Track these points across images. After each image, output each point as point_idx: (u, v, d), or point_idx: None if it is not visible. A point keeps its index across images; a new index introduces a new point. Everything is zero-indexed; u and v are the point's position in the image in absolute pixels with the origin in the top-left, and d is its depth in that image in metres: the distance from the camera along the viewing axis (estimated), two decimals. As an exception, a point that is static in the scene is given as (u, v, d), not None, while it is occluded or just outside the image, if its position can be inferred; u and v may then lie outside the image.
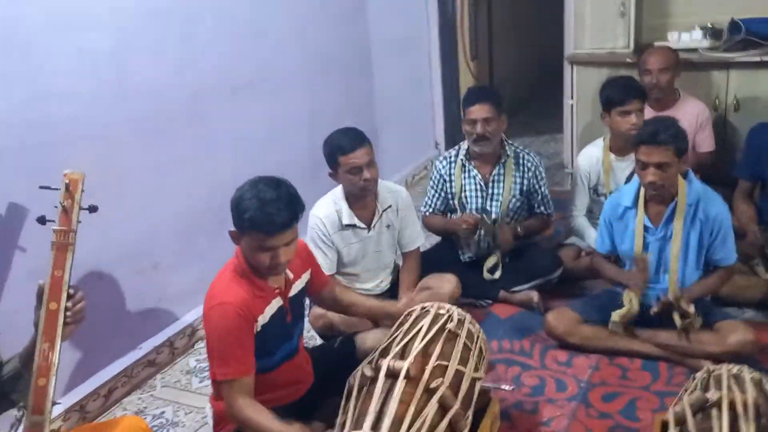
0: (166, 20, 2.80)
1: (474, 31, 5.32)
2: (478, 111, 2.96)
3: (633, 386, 2.48)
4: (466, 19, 5.19)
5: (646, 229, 2.62)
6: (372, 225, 2.82)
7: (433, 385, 1.91)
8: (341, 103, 3.98)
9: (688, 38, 3.84)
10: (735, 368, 1.92)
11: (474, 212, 3.10)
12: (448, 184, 3.19)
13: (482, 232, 3.09)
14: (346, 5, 4.00)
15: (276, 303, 2.11)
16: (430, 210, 3.23)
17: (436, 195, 3.23)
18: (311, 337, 2.91)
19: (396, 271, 3.00)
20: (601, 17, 3.97)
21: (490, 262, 3.12)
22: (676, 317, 2.52)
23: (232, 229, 2.02)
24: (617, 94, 3.02)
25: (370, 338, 2.42)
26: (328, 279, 2.44)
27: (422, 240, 2.98)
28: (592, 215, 3.30)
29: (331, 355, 2.43)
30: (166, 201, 2.87)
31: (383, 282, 2.95)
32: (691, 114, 3.40)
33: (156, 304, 2.90)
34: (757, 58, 3.60)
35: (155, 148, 2.80)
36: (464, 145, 3.17)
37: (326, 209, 2.77)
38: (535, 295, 3.01)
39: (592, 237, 3.18)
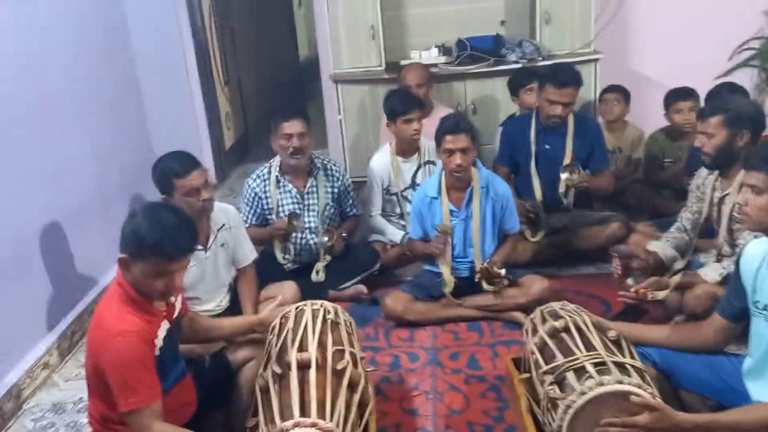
0: None
1: (223, 56, 5.47)
2: (293, 126, 3.21)
3: (468, 344, 2.95)
4: (216, 46, 5.32)
5: (451, 212, 3.11)
6: (208, 246, 2.87)
7: (339, 367, 2.11)
8: (120, 138, 3.86)
9: (427, 55, 4.51)
10: (559, 303, 2.42)
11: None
12: (263, 201, 3.35)
13: (295, 233, 3.33)
14: (110, 40, 3.91)
15: (164, 326, 2.11)
16: (247, 224, 3.36)
17: (251, 210, 3.38)
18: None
19: (232, 289, 3.06)
20: (354, 39, 4.41)
21: (320, 266, 3.37)
22: (485, 283, 3.03)
23: (122, 255, 1.99)
24: (400, 105, 3.48)
25: (241, 351, 2.50)
26: (188, 305, 2.45)
27: (255, 255, 3.08)
28: (385, 213, 3.72)
29: (206, 374, 2.44)
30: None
31: (223, 301, 2.99)
32: (445, 119, 4.03)
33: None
34: (484, 69, 4.39)
35: None
36: (275, 161, 3.36)
37: (163, 236, 2.74)
38: (363, 288, 3.33)
39: (392, 231, 3.61)
